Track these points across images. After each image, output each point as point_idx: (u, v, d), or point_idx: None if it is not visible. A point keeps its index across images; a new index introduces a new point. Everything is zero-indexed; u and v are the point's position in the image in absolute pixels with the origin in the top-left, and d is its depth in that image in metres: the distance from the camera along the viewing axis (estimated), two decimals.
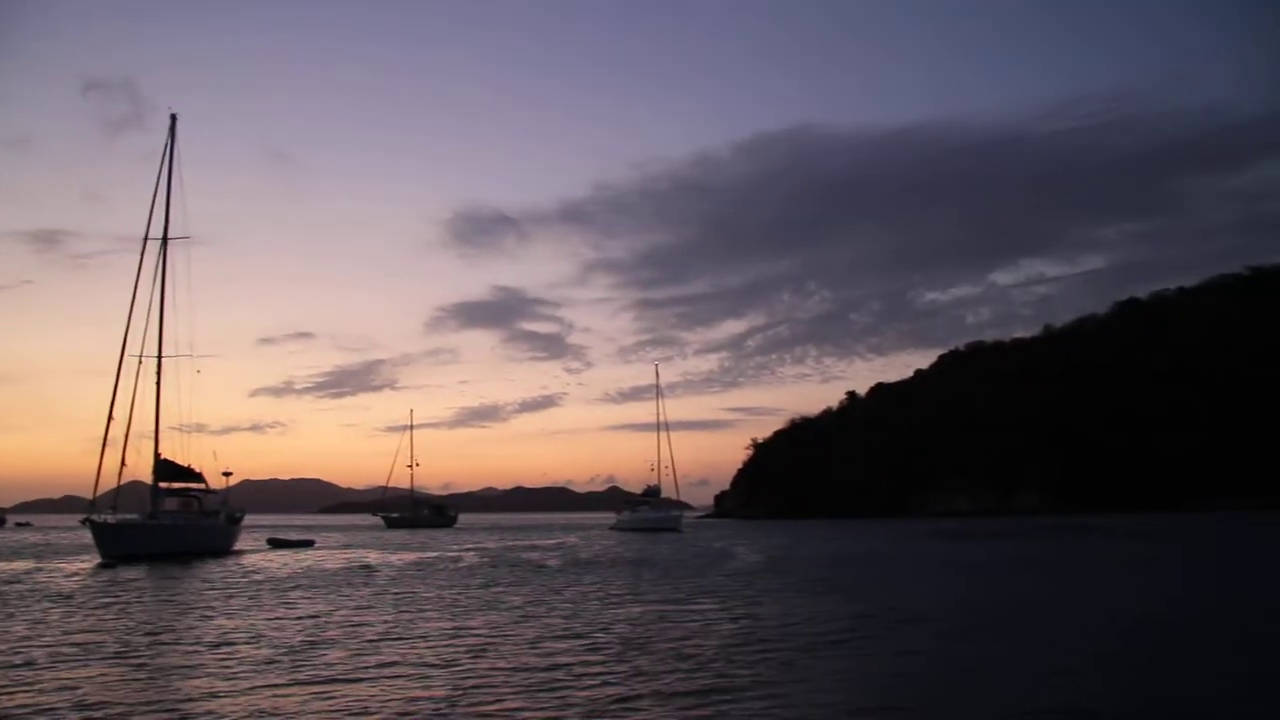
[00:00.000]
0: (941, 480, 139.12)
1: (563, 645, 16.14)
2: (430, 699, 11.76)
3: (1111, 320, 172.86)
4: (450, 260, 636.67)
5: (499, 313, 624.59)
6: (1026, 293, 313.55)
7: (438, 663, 14.51)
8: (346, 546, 62.65)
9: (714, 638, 16.81)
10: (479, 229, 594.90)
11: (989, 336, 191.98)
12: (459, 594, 26.64)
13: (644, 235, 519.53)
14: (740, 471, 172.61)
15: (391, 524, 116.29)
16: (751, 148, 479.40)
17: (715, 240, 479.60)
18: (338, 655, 15.34)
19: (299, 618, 20.97)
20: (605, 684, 12.54)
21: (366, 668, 14.08)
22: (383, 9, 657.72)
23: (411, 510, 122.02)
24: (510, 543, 66.60)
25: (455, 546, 60.55)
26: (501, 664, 14.33)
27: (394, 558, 47.80)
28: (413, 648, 16.12)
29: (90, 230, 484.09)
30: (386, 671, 13.76)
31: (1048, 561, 37.51)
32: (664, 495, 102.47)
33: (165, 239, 51.12)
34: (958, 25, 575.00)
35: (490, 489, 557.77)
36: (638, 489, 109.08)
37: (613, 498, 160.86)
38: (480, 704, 11.43)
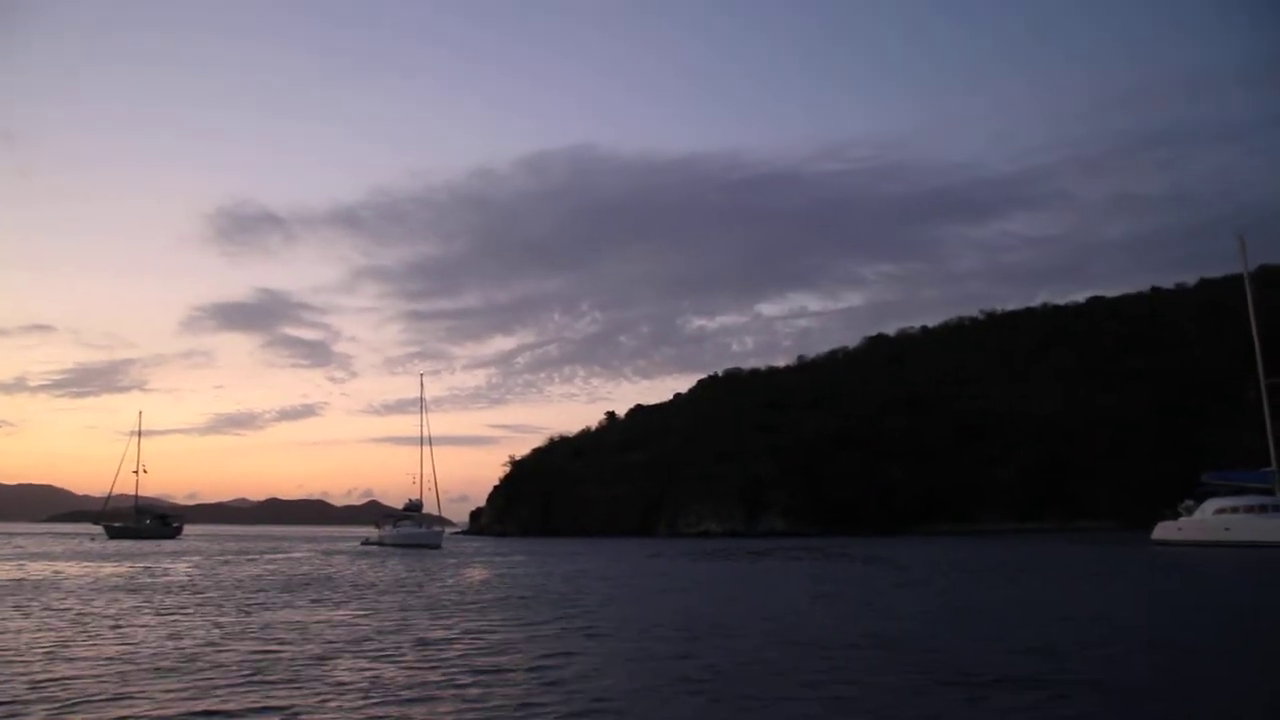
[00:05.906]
0: (692, 502, 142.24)
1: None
2: None
3: (860, 354, 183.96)
4: (210, 257, 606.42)
5: (260, 316, 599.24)
6: (789, 325, 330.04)
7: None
8: (27, 558, 56.68)
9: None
10: (243, 226, 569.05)
11: (751, 365, 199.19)
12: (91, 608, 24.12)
13: (417, 245, 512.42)
14: (496, 488, 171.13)
15: (114, 534, 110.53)
16: (533, 164, 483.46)
17: (489, 255, 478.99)
18: None
19: None
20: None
21: None
22: None
23: (135, 520, 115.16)
24: (227, 557, 62.21)
25: (168, 561, 55.89)
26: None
27: (75, 570, 43.47)
28: None
29: None
30: None
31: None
32: (425, 511, 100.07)
33: None
34: (741, 62, 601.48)
35: (243, 500, 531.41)
36: (397, 503, 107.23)
37: (371, 512, 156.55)
38: None
